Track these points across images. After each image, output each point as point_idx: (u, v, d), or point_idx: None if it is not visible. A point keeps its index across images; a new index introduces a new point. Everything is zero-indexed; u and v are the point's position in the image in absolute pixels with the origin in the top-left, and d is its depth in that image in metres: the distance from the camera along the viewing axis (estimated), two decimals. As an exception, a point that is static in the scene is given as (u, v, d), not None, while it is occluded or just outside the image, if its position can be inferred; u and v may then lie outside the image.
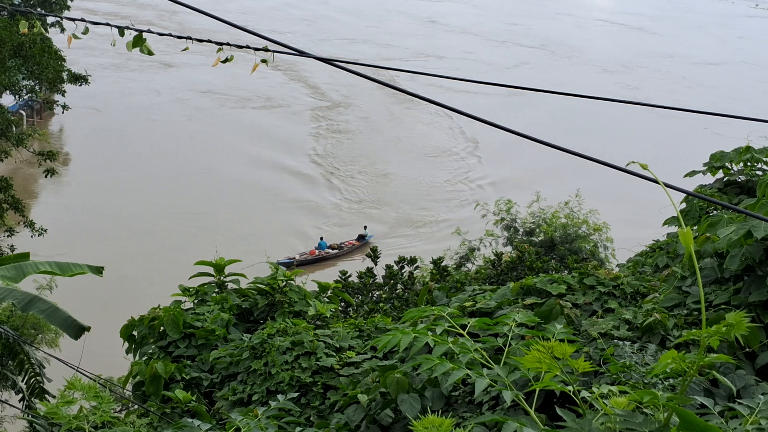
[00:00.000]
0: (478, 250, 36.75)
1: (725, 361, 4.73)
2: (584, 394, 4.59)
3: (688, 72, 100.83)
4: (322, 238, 54.20)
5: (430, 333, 5.38)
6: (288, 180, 63.70)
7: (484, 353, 5.10)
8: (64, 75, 36.78)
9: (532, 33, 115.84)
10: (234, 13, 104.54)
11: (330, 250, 52.88)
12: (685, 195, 11.01)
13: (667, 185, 6.42)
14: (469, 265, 35.15)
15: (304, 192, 62.18)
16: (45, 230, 36.13)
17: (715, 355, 4.55)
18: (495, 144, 67.52)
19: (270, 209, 58.18)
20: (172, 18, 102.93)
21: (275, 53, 7.03)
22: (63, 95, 39.73)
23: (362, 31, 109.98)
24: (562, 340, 4.77)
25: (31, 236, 36.17)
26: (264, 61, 7.06)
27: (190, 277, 14.77)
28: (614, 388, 4.58)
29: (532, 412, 4.60)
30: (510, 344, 5.39)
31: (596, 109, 74.00)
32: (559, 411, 4.84)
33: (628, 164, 5.36)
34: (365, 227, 56.51)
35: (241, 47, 6.94)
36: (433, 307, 5.77)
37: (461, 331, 5.30)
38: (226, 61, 7.24)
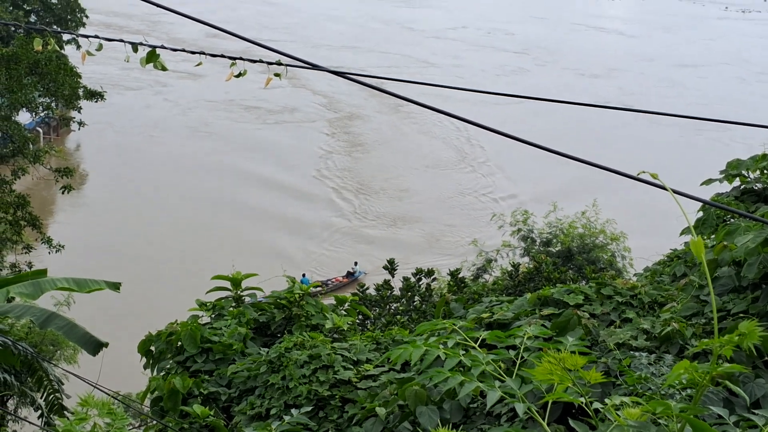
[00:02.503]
0: (496, 261, 36.74)
1: (739, 370, 4.72)
2: (597, 405, 4.59)
3: (672, 75, 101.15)
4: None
5: (441, 346, 5.39)
6: (295, 198, 63.24)
7: (497, 366, 5.11)
8: (80, 91, 36.99)
9: (512, 38, 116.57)
10: (218, 22, 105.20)
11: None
12: (702, 203, 10.98)
13: (682, 194, 6.42)
14: (486, 276, 35.11)
15: (312, 211, 61.39)
16: (62, 246, 36.31)
17: (728, 365, 4.53)
18: (504, 154, 67.51)
19: (276, 229, 57.60)
20: (157, 27, 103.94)
21: (288, 66, 7.07)
22: (79, 111, 39.97)
23: (344, 38, 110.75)
24: (576, 352, 4.77)
25: (49, 252, 36.38)
26: (277, 74, 7.10)
27: (207, 292, 14.83)
28: (627, 399, 4.57)
29: (544, 424, 4.60)
30: (523, 357, 5.40)
31: (600, 117, 73.93)
32: (572, 423, 4.84)
33: (639, 173, 5.36)
34: (355, 263, 53.10)
35: (254, 61, 6.98)
36: (445, 321, 5.78)
37: (473, 344, 5.31)
38: (239, 75, 7.28)
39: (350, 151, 74.45)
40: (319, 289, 47.20)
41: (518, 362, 5.24)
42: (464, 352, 5.30)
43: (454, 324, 5.74)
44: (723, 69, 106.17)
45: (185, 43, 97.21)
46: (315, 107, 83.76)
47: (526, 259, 34.33)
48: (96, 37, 6.70)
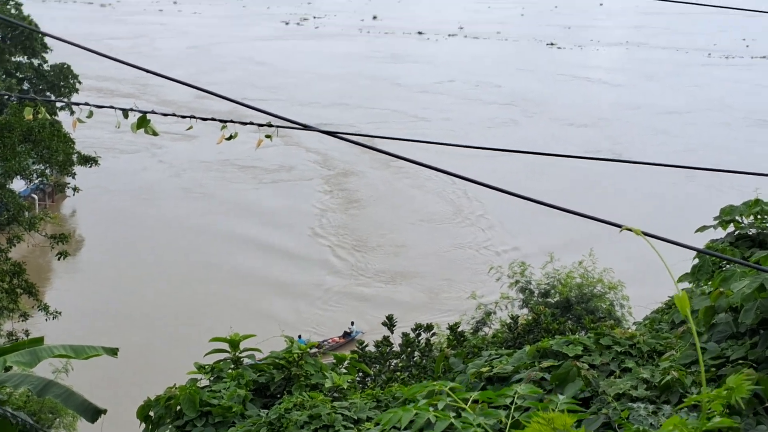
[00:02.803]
0: (495, 313, 36.64)
1: (729, 425, 4.69)
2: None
3: (659, 122, 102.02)
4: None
5: (431, 409, 5.35)
6: (291, 259, 63.06)
7: (488, 427, 5.08)
8: (74, 157, 37.17)
9: (499, 90, 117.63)
10: (208, 83, 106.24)
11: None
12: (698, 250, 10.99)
13: (674, 242, 6.44)
14: (485, 329, 35.00)
15: (307, 271, 61.13)
16: (59, 313, 36.23)
17: (718, 419, 4.50)
18: (500, 206, 67.61)
19: (272, 291, 57.40)
20: (147, 90, 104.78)
21: (278, 128, 7.13)
22: (74, 177, 40.12)
23: (332, 95, 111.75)
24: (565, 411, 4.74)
25: (46, 319, 36.27)
26: (268, 136, 7.16)
27: (206, 354, 14.76)
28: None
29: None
30: (513, 416, 5.37)
31: (592, 166, 74.37)
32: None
33: (621, 230, 5.39)
34: (352, 323, 52.63)
35: (245, 123, 7.04)
36: (435, 383, 5.76)
37: (463, 405, 5.28)
38: (230, 138, 7.34)
39: (346, 207, 74.60)
40: (315, 350, 45.36)
41: (508, 423, 5.21)
42: (455, 414, 5.27)
43: (444, 385, 5.70)
44: (709, 115, 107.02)
45: (176, 104, 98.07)
46: (309, 165, 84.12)
47: (525, 310, 34.26)
48: (86, 104, 6.76)
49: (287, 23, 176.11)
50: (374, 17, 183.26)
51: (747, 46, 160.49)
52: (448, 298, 56.78)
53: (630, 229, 5.11)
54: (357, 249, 65.52)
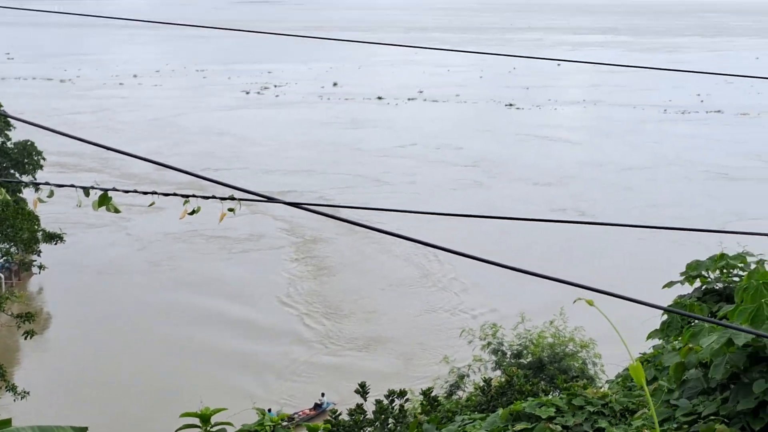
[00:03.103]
0: (468, 376, 36.49)
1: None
2: None
3: (621, 179, 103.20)
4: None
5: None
6: (260, 331, 62.39)
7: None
8: (39, 235, 36.97)
9: (461, 152, 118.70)
10: (171, 155, 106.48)
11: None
12: (668, 305, 11.03)
13: (641, 302, 6.46)
14: (459, 392, 34.82)
15: (278, 343, 60.48)
16: (27, 393, 35.73)
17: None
18: (469, 269, 67.65)
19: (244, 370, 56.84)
20: (108, 164, 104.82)
21: (242, 201, 7.11)
22: (39, 255, 39.84)
23: (295, 162, 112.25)
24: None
25: (14, 400, 35.73)
26: (231, 209, 7.13)
27: (176, 431, 14.54)
28: None
29: None
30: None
31: (558, 227, 74.64)
32: None
33: (575, 301, 5.42)
34: (323, 394, 52.06)
35: (207, 198, 7.03)
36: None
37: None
38: (193, 212, 7.31)
39: (316, 275, 74.33)
40: (287, 423, 44.94)
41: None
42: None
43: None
44: (669, 171, 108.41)
45: (138, 177, 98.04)
46: (278, 233, 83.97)
47: (498, 372, 34.14)
48: (47, 183, 6.72)
49: (248, 93, 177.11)
50: (335, 84, 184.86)
51: (701, 101, 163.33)
52: (422, 363, 56.41)
53: (581, 299, 5.12)
54: (328, 317, 65.15)
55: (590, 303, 4.95)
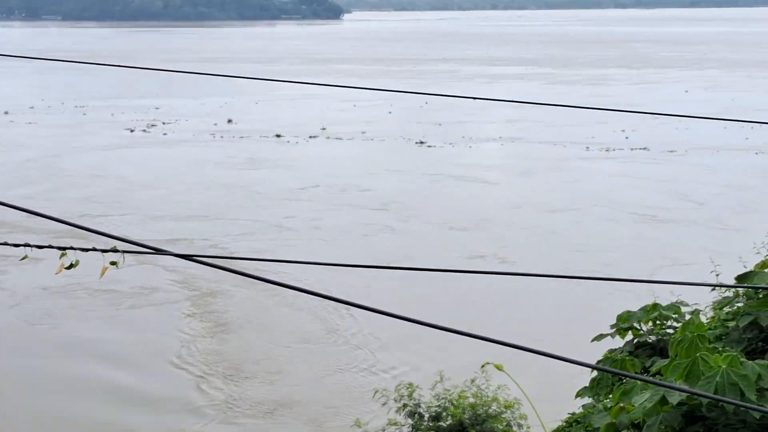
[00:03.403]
0: (382, 442, 36.31)
1: None
2: None
3: (543, 221, 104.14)
4: None
5: None
6: (152, 401, 61.14)
7: None
8: None
9: (368, 194, 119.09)
10: (44, 202, 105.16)
11: None
12: (597, 361, 11.15)
13: (567, 359, 6.51)
14: (373, 461, 34.63)
15: (172, 413, 59.87)
16: None
17: None
18: (381, 324, 67.54)
19: None
20: None
21: (126, 253, 6.99)
22: None
23: (187, 207, 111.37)
24: None
25: None
26: (114, 263, 7.01)
27: None
28: None
29: None
30: None
31: (478, 279, 75.14)
32: None
33: (483, 366, 5.44)
34: None
35: (86, 250, 6.89)
36: None
37: None
38: (71, 266, 7.16)
39: (214, 332, 73.27)
40: None
41: None
42: None
43: None
44: (594, 212, 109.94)
45: (8, 225, 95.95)
46: (170, 286, 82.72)
47: (415, 437, 34.03)
48: None
49: (132, 130, 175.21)
50: (229, 120, 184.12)
51: (626, 137, 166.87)
52: (332, 428, 55.90)
53: (489, 363, 5.12)
54: (227, 380, 64.14)
55: (499, 368, 4.95)
